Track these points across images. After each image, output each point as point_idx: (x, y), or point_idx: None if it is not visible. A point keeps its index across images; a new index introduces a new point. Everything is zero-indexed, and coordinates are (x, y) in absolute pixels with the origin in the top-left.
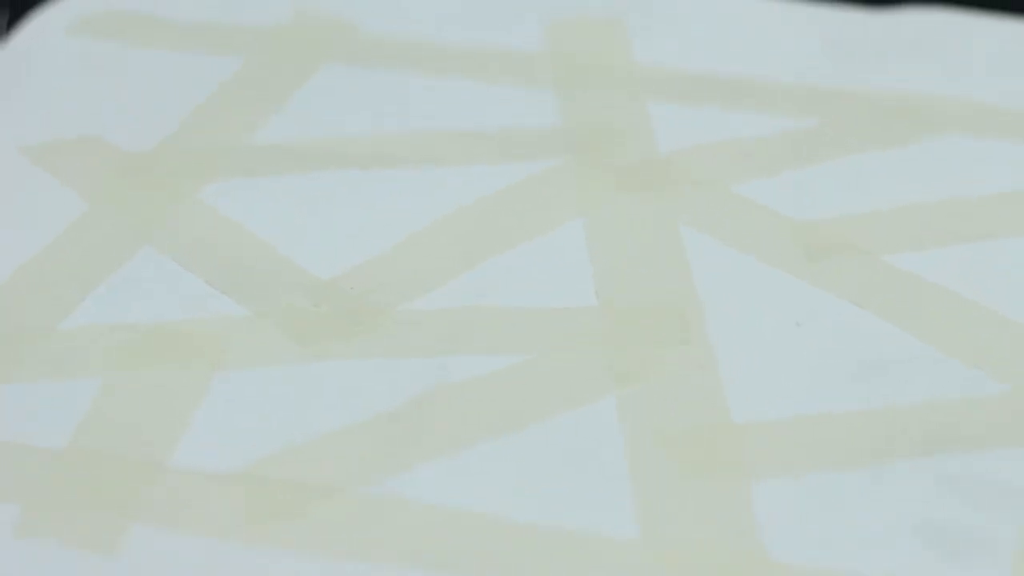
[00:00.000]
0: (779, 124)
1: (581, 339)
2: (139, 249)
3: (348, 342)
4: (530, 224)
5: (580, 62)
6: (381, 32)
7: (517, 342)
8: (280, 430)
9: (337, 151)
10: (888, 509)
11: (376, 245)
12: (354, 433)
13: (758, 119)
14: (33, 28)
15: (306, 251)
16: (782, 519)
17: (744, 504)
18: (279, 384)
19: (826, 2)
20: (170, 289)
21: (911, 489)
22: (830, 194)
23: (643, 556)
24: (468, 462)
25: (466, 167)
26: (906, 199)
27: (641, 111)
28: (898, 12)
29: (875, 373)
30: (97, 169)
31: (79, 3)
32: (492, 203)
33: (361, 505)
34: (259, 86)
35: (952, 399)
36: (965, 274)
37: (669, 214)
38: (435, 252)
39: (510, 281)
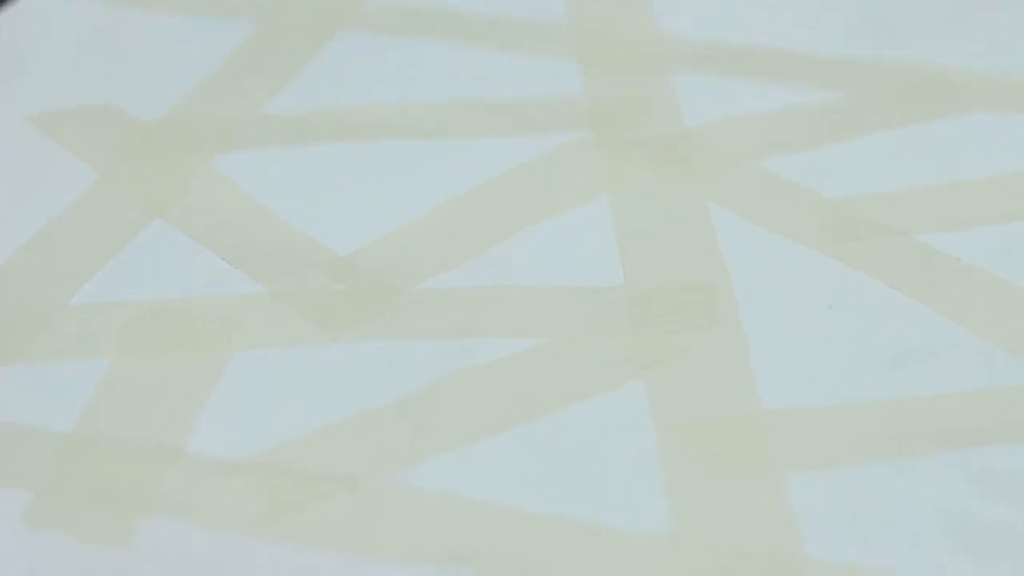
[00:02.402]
0: (807, 98)
1: (606, 322)
2: (150, 222)
3: (365, 323)
4: (553, 200)
5: (604, 32)
6: None
7: (539, 324)
8: (296, 416)
9: (354, 122)
10: (919, 503)
11: (394, 220)
12: (371, 420)
13: (785, 92)
14: None
15: (323, 226)
16: (814, 513)
17: (777, 498)
18: (295, 367)
19: None
20: (183, 265)
21: (943, 483)
22: (861, 171)
23: (673, 551)
24: (487, 452)
25: (486, 139)
26: (940, 177)
27: (666, 83)
28: None
29: (910, 360)
30: (107, 139)
31: None
32: (513, 177)
33: (377, 496)
34: (272, 54)
35: (989, 388)
36: (1003, 256)
37: (696, 191)
38: (455, 228)
39: (532, 259)
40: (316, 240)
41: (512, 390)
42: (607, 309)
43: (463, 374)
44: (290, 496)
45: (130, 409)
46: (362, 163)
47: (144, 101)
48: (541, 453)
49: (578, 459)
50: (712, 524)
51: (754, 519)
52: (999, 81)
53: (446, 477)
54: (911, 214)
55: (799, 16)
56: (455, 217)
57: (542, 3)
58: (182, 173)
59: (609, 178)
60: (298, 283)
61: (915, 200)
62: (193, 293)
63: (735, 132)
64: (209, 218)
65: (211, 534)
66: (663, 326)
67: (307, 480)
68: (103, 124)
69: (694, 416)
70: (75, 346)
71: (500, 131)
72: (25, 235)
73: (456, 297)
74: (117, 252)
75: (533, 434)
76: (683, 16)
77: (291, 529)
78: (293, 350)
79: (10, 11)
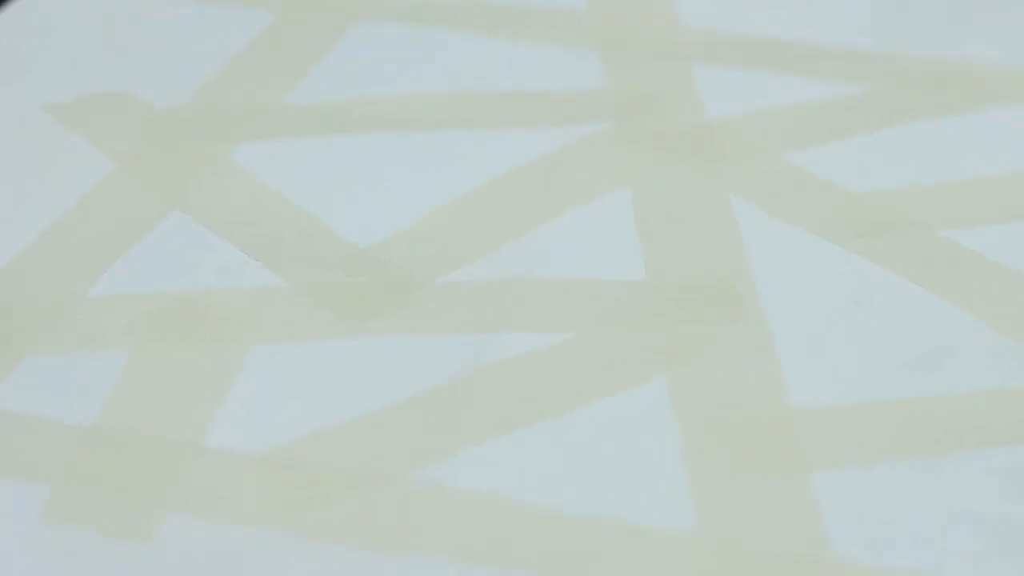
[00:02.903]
0: (830, 90)
1: (628, 316)
2: (168, 213)
3: (386, 317)
4: (574, 192)
5: (625, 22)
6: None
7: (561, 319)
8: (317, 410)
9: (373, 113)
10: (948, 503)
11: (412, 213)
12: (393, 415)
13: (809, 85)
14: None
15: (341, 218)
16: (840, 513)
17: (802, 496)
18: (315, 361)
19: None
20: (200, 257)
21: (972, 483)
22: (885, 165)
23: (697, 549)
24: (511, 448)
25: (506, 131)
26: (965, 172)
27: (688, 75)
28: None
29: (936, 357)
30: (122, 129)
31: None
32: (533, 170)
33: (401, 493)
34: (289, 44)
35: (1017, 385)
36: None
37: (719, 184)
38: (475, 221)
39: (554, 253)
40: (335, 232)
41: (534, 386)
42: (630, 303)
43: (485, 370)
44: (313, 492)
45: (149, 403)
46: (380, 155)
47: (160, 91)
48: (565, 449)
49: (602, 455)
50: (736, 522)
51: (779, 518)
52: None
53: (469, 473)
54: (935, 209)
55: (822, 8)
56: (475, 210)
57: None
58: (198, 164)
59: (630, 171)
60: (317, 277)
61: (939, 194)
62: (211, 285)
63: (757, 125)
64: (226, 210)
65: (233, 529)
66: (687, 321)
67: (330, 475)
68: (119, 114)
69: (719, 413)
70: (93, 339)
71: (520, 123)
72: (41, 226)
73: (476, 291)
74: (134, 243)
75: (557, 430)
76: (705, 7)
77: (315, 525)
78: (312, 344)
79: None
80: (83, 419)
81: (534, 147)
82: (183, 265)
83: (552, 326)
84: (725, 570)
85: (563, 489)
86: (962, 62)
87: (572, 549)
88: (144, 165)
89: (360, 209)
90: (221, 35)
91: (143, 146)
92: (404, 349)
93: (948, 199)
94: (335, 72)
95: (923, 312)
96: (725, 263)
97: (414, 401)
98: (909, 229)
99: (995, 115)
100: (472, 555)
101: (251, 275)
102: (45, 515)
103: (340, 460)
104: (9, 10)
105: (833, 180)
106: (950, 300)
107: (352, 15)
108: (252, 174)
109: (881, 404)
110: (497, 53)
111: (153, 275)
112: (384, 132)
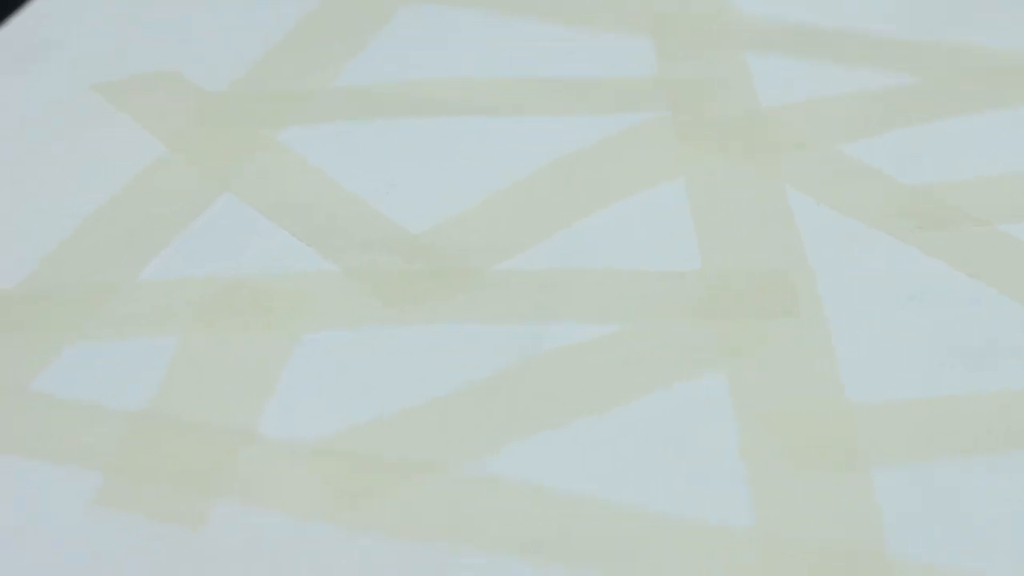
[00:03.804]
0: (884, 81)
1: (683, 307)
2: (218, 197)
3: (438, 305)
4: (627, 181)
5: (678, 10)
6: None
7: (616, 309)
8: (368, 399)
9: (421, 97)
10: (1009, 502)
11: (466, 198)
12: (444, 405)
13: (863, 74)
14: None
15: (394, 203)
16: (898, 511)
17: (861, 493)
18: (366, 348)
19: None
20: (251, 241)
21: None
22: (940, 157)
23: (753, 544)
24: (562, 440)
25: (557, 117)
26: (1021, 164)
27: (742, 63)
28: None
29: (994, 353)
30: (172, 109)
31: None
32: (586, 157)
33: (450, 484)
34: (337, 25)
35: None
36: None
37: (773, 174)
38: (527, 208)
39: (607, 242)
40: (386, 217)
41: (589, 377)
42: (684, 294)
43: (538, 360)
44: (365, 481)
45: (200, 389)
46: (430, 140)
47: (209, 70)
48: (620, 441)
49: (658, 448)
50: (794, 517)
51: (836, 515)
52: None
53: (523, 465)
54: (992, 202)
55: None
56: (527, 197)
57: None
58: (248, 146)
59: (683, 159)
60: (369, 262)
61: (996, 188)
62: (261, 271)
63: (810, 114)
64: (277, 193)
65: (284, 518)
66: (742, 313)
67: (382, 465)
68: (167, 94)
69: (776, 406)
70: (142, 324)
71: (573, 110)
72: (90, 207)
73: (529, 280)
74: (184, 226)
75: (610, 423)
76: None
77: (366, 516)
78: (364, 331)
79: None
80: (133, 405)
81: (587, 135)
82: (233, 249)
83: (605, 317)
84: (780, 567)
85: (618, 481)
86: (1017, 53)
87: (624, 545)
88: (193, 147)
89: (411, 194)
90: (270, 17)
91: (192, 127)
92: (457, 338)
93: (1006, 192)
94: (385, 54)
95: (979, 307)
96: (780, 255)
97: (465, 391)
98: (966, 222)
99: None
100: (524, 548)
101: (302, 260)
102: (97, 501)
103: (389, 450)
104: None
105: (887, 172)
106: (1008, 295)
107: None
108: (302, 157)
109: (939, 400)
110: (550, 39)
111: (202, 259)
112: (435, 117)
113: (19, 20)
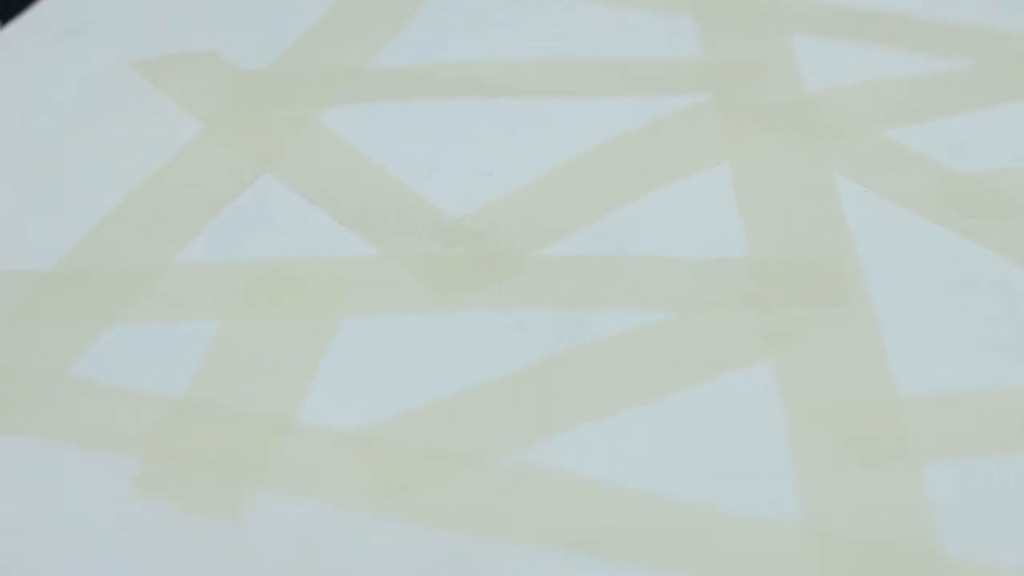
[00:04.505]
0: (933, 66)
1: (730, 295)
2: (258, 178)
3: (481, 291)
4: (672, 166)
5: None
6: None
7: (661, 296)
8: (410, 387)
9: (463, 77)
10: None
11: (508, 182)
12: (488, 394)
13: (910, 59)
14: None
15: (435, 186)
16: (949, 505)
17: (912, 487)
18: (408, 335)
19: None
20: (290, 224)
21: None
22: (990, 144)
23: (801, 538)
24: (607, 431)
25: (602, 100)
26: None
27: (787, 46)
28: None
29: None
30: (210, 88)
31: None
32: (630, 141)
33: (496, 475)
34: (377, 4)
35: None
36: None
37: (820, 159)
38: (571, 192)
39: (652, 227)
40: (427, 201)
41: (635, 366)
42: (730, 281)
43: (583, 348)
44: (406, 472)
45: (240, 376)
46: (473, 121)
47: (248, 49)
48: (666, 433)
49: (705, 440)
50: (843, 512)
51: (885, 508)
52: None
53: (567, 456)
54: None
55: None
56: (570, 181)
57: None
58: (287, 128)
59: (729, 144)
60: (411, 247)
61: None
62: (301, 254)
63: (857, 99)
64: (317, 175)
65: (324, 509)
66: (790, 301)
67: (423, 456)
68: (206, 72)
69: (825, 398)
70: (181, 308)
71: (617, 92)
72: (128, 187)
73: (574, 265)
74: (223, 209)
75: (655, 413)
76: None
77: (406, 507)
78: (405, 318)
79: None
80: (172, 391)
81: (631, 118)
82: (272, 232)
83: (651, 304)
84: (829, 560)
85: (663, 473)
86: None
87: (671, 534)
88: (232, 127)
89: (453, 177)
90: None
91: (230, 107)
92: (499, 325)
93: None
94: (424, 35)
95: None
96: (828, 242)
97: (509, 380)
98: (1013, 211)
99: None
100: (568, 541)
101: (342, 244)
102: (135, 488)
103: (431, 440)
104: None
105: (936, 158)
106: None
107: None
108: (342, 138)
109: (988, 393)
110: (594, 21)
111: (241, 242)
112: (478, 98)
113: None
